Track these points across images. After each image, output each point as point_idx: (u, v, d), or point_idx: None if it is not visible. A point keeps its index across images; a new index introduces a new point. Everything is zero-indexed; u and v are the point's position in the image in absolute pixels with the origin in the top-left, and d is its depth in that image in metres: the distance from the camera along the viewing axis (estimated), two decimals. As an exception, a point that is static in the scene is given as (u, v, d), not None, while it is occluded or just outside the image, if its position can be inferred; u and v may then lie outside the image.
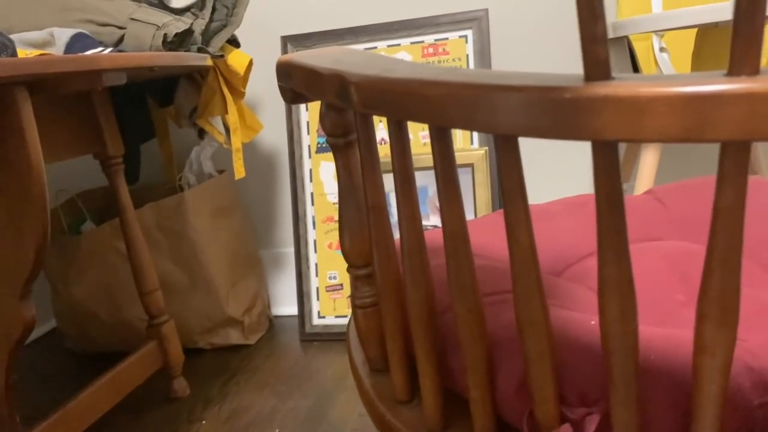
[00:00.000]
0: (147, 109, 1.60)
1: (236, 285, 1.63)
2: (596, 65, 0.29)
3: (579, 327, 0.42)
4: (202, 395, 1.43)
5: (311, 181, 1.66)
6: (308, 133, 1.66)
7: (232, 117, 1.27)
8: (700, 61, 1.12)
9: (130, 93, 1.50)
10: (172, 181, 1.65)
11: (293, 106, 1.65)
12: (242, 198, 1.80)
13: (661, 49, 1.33)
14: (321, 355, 1.57)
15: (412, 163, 0.43)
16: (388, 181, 1.25)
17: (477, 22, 1.52)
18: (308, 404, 1.35)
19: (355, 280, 0.54)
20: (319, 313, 1.65)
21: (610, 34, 1.14)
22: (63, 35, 0.91)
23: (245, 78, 1.31)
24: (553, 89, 0.30)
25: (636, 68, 1.26)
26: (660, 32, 1.29)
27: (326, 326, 1.64)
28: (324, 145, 1.65)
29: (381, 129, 1.57)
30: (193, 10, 1.14)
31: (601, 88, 0.29)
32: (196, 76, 1.37)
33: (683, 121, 0.27)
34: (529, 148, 1.63)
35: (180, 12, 1.12)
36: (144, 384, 1.49)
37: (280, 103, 1.73)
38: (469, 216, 1.54)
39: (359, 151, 0.47)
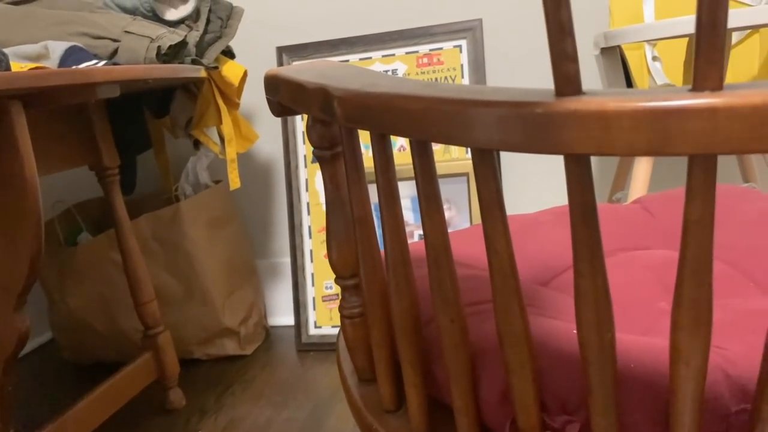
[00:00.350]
0: (143, 120, 1.61)
1: (232, 295, 1.63)
2: (566, 81, 0.30)
3: (561, 336, 0.43)
4: (198, 406, 1.43)
5: (307, 190, 1.66)
6: (304, 143, 1.67)
7: (227, 128, 1.28)
8: (691, 69, 1.13)
9: (126, 104, 1.51)
10: (169, 192, 1.66)
11: (289, 116, 1.66)
12: (238, 208, 1.81)
13: (654, 58, 1.34)
14: (317, 365, 1.57)
15: (395, 175, 0.43)
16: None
17: (471, 32, 1.54)
18: (304, 415, 1.35)
19: (343, 291, 0.54)
20: (315, 323, 1.65)
21: (603, 44, 1.15)
22: (57, 48, 0.92)
23: (240, 89, 1.32)
24: (525, 104, 0.31)
25: (629, 77, 1.27)
26: (652, 41, 1.30)
27: (323, 336, 1.64)
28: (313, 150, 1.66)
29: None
30: (187, 22, 1.16)
31: (571, 103, 0.30)
32: (191, 87, 1.38)
33: (649, 135, 0.28)
34: (512, 155, 1.64)
35: (174, 24, 1.13)
36: (139, 395, 1.50)
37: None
38: (465, 225, 1.55)
39: (345, 164, 0.47)
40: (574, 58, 0.30)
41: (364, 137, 1.63)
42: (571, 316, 0.53)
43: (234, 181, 1.33)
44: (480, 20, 1.54)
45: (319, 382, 1.48)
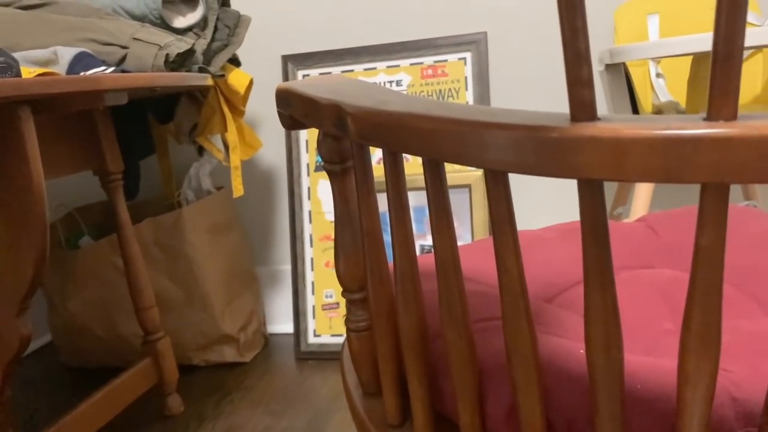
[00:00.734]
0: (147, 125, 1.61)
1: (232, 302, 1.63)
2: (582, 106, 0.31)
3: (567, 355, 0.43)
4: (196, 413, 1.42)
5: (309, 199, 1.67)
6: (307, 152, 1.67)
7: (231, 135, 1.29)
8: (695, 87, 1.13)
9: (131, 109, 1.51)
10: (171, 197, 1.66)
11: (293, 125, 1.67)
12: (240, 215, 1.81)
13: (658, 75, 1.35)
14: (316, 374, 1.57)
15: (406, 191, 0.44)
16: (384, 201, 1.26)
17: (476, 44, 1.54)
18: (302, 424, 1.34)
19: (349, 304, 0.54)
20: (314, 331, 1.65)
21: (608, 60, 1.15)
22: (66, 54, 0.93)
23: (245, 97, 1.32)
24: (541, 129, 0.31)
25: (632, 93, 1.28)
26: (656, 59, 1.31)
27: (322, 345, 1.64)
28: (322, 164, 1.67)
29: (378, 150, 1.58)
30: (195, 29, 1.16)
31: (586, 129, 0.30)
32: (196, 94, 1.38)
33: (663, 162, 0.28)
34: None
35: (182, 32, 1.13)
36: (138, 400, 1.49)
37: (278, 121, 1.75)
38: (466, 236, 1.55)
39: (355, 179, 0.48)
40: (589, 85, 0.30)
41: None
42: (575, 334, 0.53)
43: (237, 189, 1.33)
44: (485, 33, 1.55)
45: (318, 391, 1.48)
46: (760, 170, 0.27)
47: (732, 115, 0.28)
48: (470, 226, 1.55)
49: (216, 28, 1.20)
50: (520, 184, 1.66)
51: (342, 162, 0.52)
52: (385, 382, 0.50)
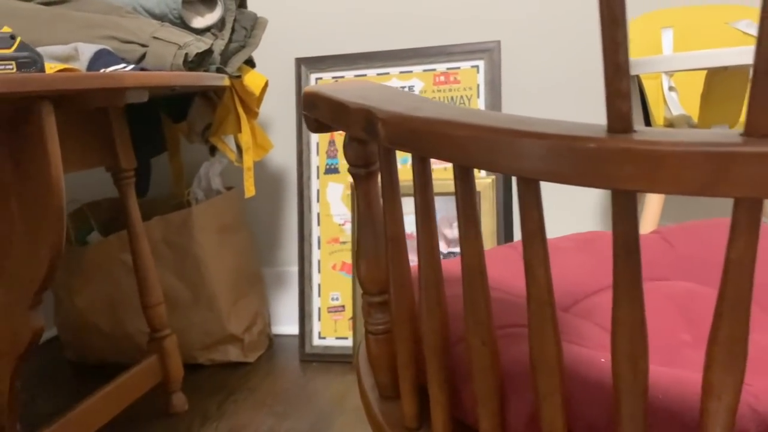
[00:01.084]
0: (159, 124, 1.62)
1: (238, 302, 1.63)
2: (619, 118, 0.31)
3: (588, 364, 0.44)
4: (200, 412, 1.43)
5: (318, 201, 1.67)
6: (317, 154, 1.68)
7: (245, 136, 1.29)
8: (708, 102, 1.14)
9: (144, 108, 1.52)
10: (181, 196, 1.67)
11: (304, 127, 1.68)
12: (248, 216, 1.81)
13: (670, 89, 1.35)
14: (320, 377, 1.57)
15: (433, 197, 0.44)
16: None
17: (489, 53, 1.55)
18: (306, 426, 1.35)
19: (369, 307, 0.55)
20: (319, 333, 1.65)
21: (620, 73, 1.16)
22: (87, 51, 0.93)
23: (260, 98, 1.33)
24: (578, 139, 0.32)
25: (645, 105, 1.29)
26: (670, 72, 1.32)
27: (326, 347, 1.64)
28: (332, 167, 1.67)
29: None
30: (213, 30, 1.17)
31: (624, 141, 0.30)
32: (210, 94, 1.39)
33: (699, 176, 0.29)
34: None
35: (201, 32, 1.14)
36: (142, 398, 1.49)
37: (290, 124, 1.76)
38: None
39: (381, 183, 0.48)
40: (628, 97, 0.31)
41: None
42: (593, 343, 0.53)
43: (249, 189, 1.34)
44: (498, 42, 1.56)
45: (322, 393, 1.48)
46: (797, 187, 0.27)
47: (770, 132, 0.28)
48: (478, 234, 1.55)
49: (233, 29, 1.21)
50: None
51: (367, 166, 0.52)
52: (403, 386, 0.50)
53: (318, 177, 1.68)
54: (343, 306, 1.65)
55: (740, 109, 1.16)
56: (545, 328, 0.38)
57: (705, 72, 1.24)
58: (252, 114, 1.35)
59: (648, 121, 1.34)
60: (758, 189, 0.28)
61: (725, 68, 1.13)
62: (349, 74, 1.66)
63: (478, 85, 1.58)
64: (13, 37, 0.73)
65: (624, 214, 0.33)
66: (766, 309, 0.59)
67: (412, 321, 0.50)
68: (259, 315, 1.71)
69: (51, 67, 0.89)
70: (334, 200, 1.67)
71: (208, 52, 1.09)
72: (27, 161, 0.82)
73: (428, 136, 0.39)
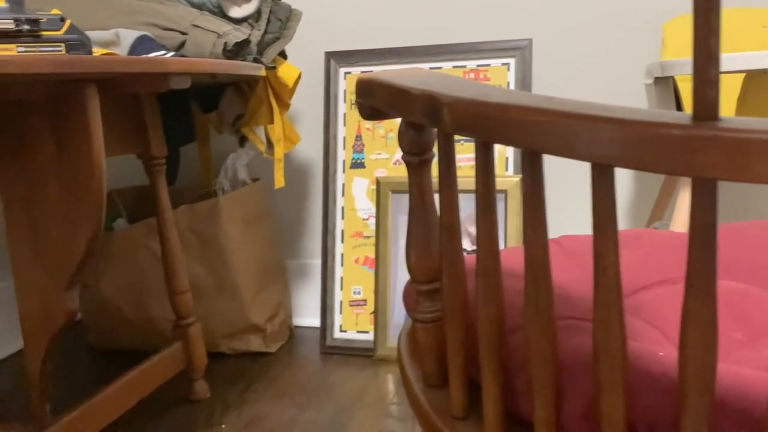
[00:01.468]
0: (189, 113, 1.63)
1: (261, 293, 1.64)
2: (706, 106, 0.31)
3: (648, 357, 0.43)
4: (222, 400, 1.43)
5: (343, 195, 1.68)
6: (344, 148, 1.68)
7: (277, 127, 1.30)
8: (745, 105, 1.13)
9: (175, 96, 1.53)
10: (208, 186, 1.68)
11: (331, 121, 1.68)
12: (273, 207, 1.82)
13: (704, 92, 1.34)
14: (340, 369, 1.57)
15: (495, 184, 0.44)
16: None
17: (521, 51, 1.55)
18: (326, 418, 1.35)
19: (417, 295, 0.55)
20: (340, 326, 1.66)
21: (658, 73, 1.15)
22: (128, 36, 0.94)
23: (293, 90, 1.33)
24: (662, 125, 0.31)
25: (680, 107, 1.28)
26: (704, 75, 1.30)
27: (347, 340, 1.64)
28: (358, 161, 1.67)
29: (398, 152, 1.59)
30: (249, 20, 1.18)
31: (711, 128, 0.30)
32: (242, 85, 1.40)
33: (793, 165, 0.28)
34: (554, 176, 1.64)
35: (238, 22, 1.15)
36: (164, 384, 1.51)
37: (318, 117, 1.76)
38: (500, 242, 1.55)
39: (439, 170, 0.48)
40: (716, 85, 0.31)
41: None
42: (642, 339, 0.53)
43: (279, 181, 1.34)
44: (530, 40, 1.55)
45: (342, 386, 1.49)
46: None
47: None
48: (503, 234, 1.55)
49: (269, 21, 1.21)
50: (555, 189, 1.65)
51: (421, 154, 0.52)
52: (453, 375, 0.50)
53: (344, 171, 1.68)
54: (365, 300, 1.65)
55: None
56: (611, 317, 0.38)
57: (741, 75, 1.23)
58: (284, 106, 1.35)
59: (681, 124, 1.32)
60: None
61: (763, 71, 1.12)
62: (378, 69, 1.66)
63: (508, 83, 1.57)
64: (63, 20, 0.74)
65: (703, 203, 0.33)
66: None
67: (464, 310, 0.50)
68: (281, 306, 1.72)
69: (93, 52, 0.90)
70: (359, 195, 1.67)
71: (246, 42, 1.10)
72: (69, 143, 0.82)
73: (499, 122, 0.39)
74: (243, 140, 1.48)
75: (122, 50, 0.94)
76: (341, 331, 1.65)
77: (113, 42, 0.94)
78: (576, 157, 0.35)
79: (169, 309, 1.43)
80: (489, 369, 0.46)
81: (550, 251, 0.65)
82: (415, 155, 0.52)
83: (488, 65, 1.59)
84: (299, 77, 1.34)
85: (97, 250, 0.85)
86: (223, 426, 1.32)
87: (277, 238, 1.75)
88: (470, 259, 0.63)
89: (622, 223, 1.63)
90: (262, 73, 1.20)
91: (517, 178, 1.52)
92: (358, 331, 1.64)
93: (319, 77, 1.73)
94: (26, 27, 0.71)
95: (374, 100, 0.53)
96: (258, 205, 1.65)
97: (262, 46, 1.20)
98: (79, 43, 0.75)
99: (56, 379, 1.58)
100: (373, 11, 1.69)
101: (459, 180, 1.53)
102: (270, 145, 1.41)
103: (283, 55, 1.40)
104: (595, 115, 0.34)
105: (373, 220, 1.65)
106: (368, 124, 1.66)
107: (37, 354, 0.99)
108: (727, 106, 1.31)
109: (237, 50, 1.07)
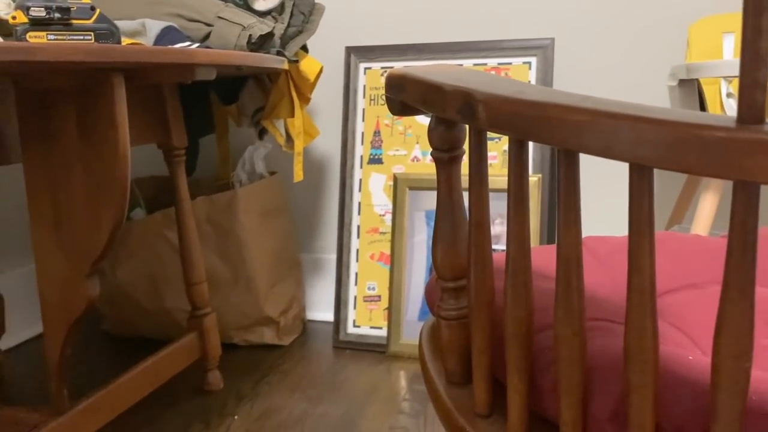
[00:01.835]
0: (209, 105, 1.64)
1: (276, 286, 1.65)
2: (752, 109, 0.31)
3: (677, 361, 0.43)
4: (235, 391, 1.44)
5: (360, 191, 1.68)
6: (362, 144, 1.68)
7: (297, 121, 1.30)
8: (770, 110, 1.11)
9: (195, 88, 1.54)
10: (225, 178, 1.69)
11: (350, 116, 1.68)
12: (290, 201, 1.82)
13: (728, 95, 1.32)
14: (352, 364, 1.58)
15: (528, 182, 0.44)
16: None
17: (543, 50, 1.54)
18: (339, 412, 1.35)
19: (443, 292, 0.55)
20: (354, 321, 1.66)
21: (683, 76, 1.14)
22: (154, 27, 0.94)
23: (314, 84, 1.33)
24: (706, 127, 0.31)
25: (704, 109, 1.26)
26: (729, 78, 1.29)
27: (360, 336, 1.65)
28: (376, 157, 1.67)
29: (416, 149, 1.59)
30: (273, 13, 1.18)
31: (756, 132, 0.30)
32: (263, 78, 1.40)
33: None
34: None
35: (262, 14, 1.15)
36: (178, 374, 1.52)
37: (336, 112, 1.76)
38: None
39: (470, 167, 0.48)
40: (764, 88, 0.30)
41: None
42: (669, 342, 0.53)
43: (298, 174, 1.34)
44: (552, 39, 1.54)
45: (354, 381, 1.49)
46: None
47: None
48: (520, 232, 1.54)
49: (292, 14, 1.22)
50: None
51: (451, 150, 0.52)
52: (477, 373, 0.50)
53: (361, 166, 1.68)
54: (379, 296, 1.65)
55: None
56: (644, 319, 0.38)
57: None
58: (304, 99, 1.35)
59: (704, 127, 1.31)
60: None
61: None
62: (398, 65, 1.66)
63: (529, 82, 1.56)
64: (93, 9, 0.74)
65: (745, 207, 0.33)
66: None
67: (490, 308, 0.49)
68: (296, 299, 1.72)
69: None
70: (376, 190, 1.67)
71: (270, 34, 1.10)
72: (95, 131, 0.83)
73: (536, 120, 0.39)
74: (262, 133, 1.48)
75: (148, 40, 0.95)
76: (355, 326, 1.66)
77: (139, 32, 0.95)
78: (615, 158, 0.35)
79: (184, 299, 1.44)
80: (515, 368, 0.46)
81: (574, 252, 0.65)
82: (444, 152, 0.52)
83: (510, 63, 1.58)
84: (320, 71, 1.34)
85: (119, 238, 0.86)
86: (236, 417, 1.33)
87: (293, 232, 1.76)
88: (496, 257, 0.63)
89: (595, 230, 1.61)
90: (285, 66, 1.21)
91: (536, 178, 1.51)
92: (372, 327, 1.65)
93: (339, 72, 1.73)
94: (57, 15, 0.72)
95: (405, 96, 0.52)
96: (275, 198, 1.66)
97: (285, 39, 1.21)
98: (108, 33, 0.75)
99: (71, 364, 1.60)
100: (394, 7, 1.69)
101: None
102: (289, 138, 1.41)
103: (304, 48, 1.40)
104: (637, 116, 0.33)
105: (389, 217, 1.65)
106: (387, 120, 1.66)
107: (57, 340, 1.00)
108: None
109: (260, 43, 1.08)
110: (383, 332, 1.63)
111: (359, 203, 1.68)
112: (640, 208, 0.36)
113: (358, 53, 1.67)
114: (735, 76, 1.14)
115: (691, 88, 1.20)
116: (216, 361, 1.43)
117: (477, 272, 0.49)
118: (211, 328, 1.40)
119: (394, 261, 1.58)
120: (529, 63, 1.56)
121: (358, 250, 1.67)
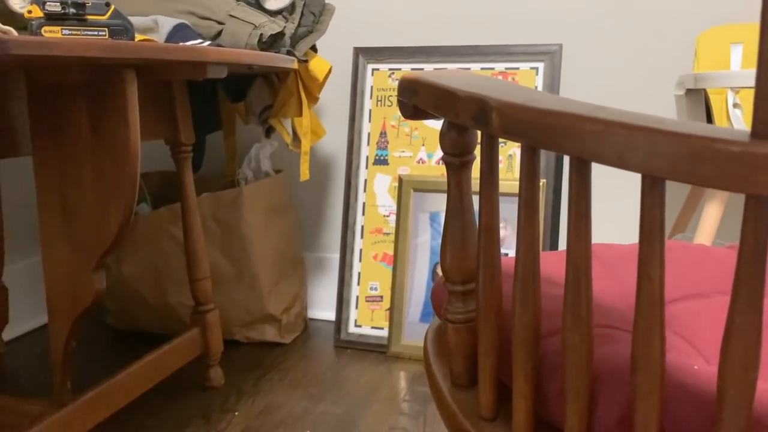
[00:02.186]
0: (217, 102, 1.64)
1: (279, 283, 1.65)
2: (766, 123, 0.31)
3: (683, 370, 0.43)
4: (236, 387, 1.45)
5: (365, 191, 1.68)
6: (368, 144, 1.69)
7: (305, 120, 1.31)
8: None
9: (203, 85, 1.54)
10: (231, 175, 1.69)
11: (356, 116, 1.69)
12: (295, 200, 1.83)
13: (735, 105, 1.33)
14: (353, 363, 1.58)
15: (539, 188, 0.44)
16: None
17: (550, 56, 1.54)
18: (339, 410, 1.36)
19: (450, 295, 0.55)
20: (356, 321, 1.66)
21: (691, 85, 1.14)
22: (166, 24, 0.95)
23: (322, 84, 1.34)
24: (720, 141, 0.31)
25: (710, 119, 1.27)
26: (735, 89, 1.29)
27: (361, 335, 1.65)
28: (382, 158, 1.68)
29: (422, 151, 1.59)
30: (284, 13, 1.18)
31: (770, 146, 0.30)
32: (271, 77, 1.41)
33: None
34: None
35: (273, 14, 1.16)
36: (179, 369, 1.52)
37: (343, 112, 1.77)
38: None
39: (480, 173, 0.48)
40: (778, 102, 0.31)
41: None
42: (674, 351, 0.53)
43: (304, 173, 1.35)
44: (560, 45, 1.55)
45: (355, 380, 1.49)
46: None
47: None
48: (523, 236, 1.54)
49: (302, 14, 1.22)
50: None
51: (462, 155, 0.53)
52: (483, 376, 0.51)
53: (367, 167, 1.69)
54: (381, 296, 1.65)
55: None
56: (653, 327, 0.38)
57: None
58: (312, 99, 1.36)
59: (710, 136, 1.31)
60: None
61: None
62: (406, 67, 1.66)
63: (536, 88, 1.57)
64: (107, 5, 0.75)
65: (756, 220, 0.33)
66: None
67: (498, 312, 0.50)
68: (298, 298, 1.73)
69: (132, 37, 0.91)
70: (380, 191, 1.67)
71: (280, 34, 1.10)
72: (106, 126, 0.84)
73: (550, 128, 0.39)
74: (269, 131, 1.49)
75: (160, 37, 0.95)
76: (356, 325, 1.66)
77: (151, 29, 0.95)
78: (629, 168, 0.35)
79: (188, 294, 1.44)
80: (521, 372, 0.46)
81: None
82: (456, 156, 0.53)
83: (517, 68, 1.58)
84: (329, 71, 1.34)
85: (127, 233, 0.86)
86: (236, 413, 1.34)
87: (297, 231, 1.76)
88: (503, 262, 0.64)
89: (596, 237, 1.62)
90: (294, 65, 1.21)
91: (541, 183, 1.52)
92: (373, 327, 1.65)
93: (347, 72, 1.74)
94: (72, 11, 0.72)
95: (418, 100, 0.53)
96: (280, 196, 1.66)
97: (295, 39, 1.21)
98: (122, 29, 0.76)
99: (74, 356, 1.60)
100: (403, 9, 1.70)
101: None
102: (296, 137, 1.42)
103: (313, 48, 1.41)
104: (651, 128, 0.34)
105: (393, 217, 1.66)
106: (393, 121, 1.66)
107: (62, 332, 1.00)
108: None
109: (271, 42, 1.08)
110: (384, 333, 1.63)
111: (364, 203, 1.68)
112: (651, 218, 0.36)
113: (366, 54, 1.68)
114: (743, 87, 1.15)
115: (698, 97, 1.21)
116: (218, 357, 1.44)
117: (486, 276, 0.50)
118: (213, 325, 1.41)
119: (397, 262, 1.59)
120: (537, 68, 1.56)
121: (361, 250, 1.68)
